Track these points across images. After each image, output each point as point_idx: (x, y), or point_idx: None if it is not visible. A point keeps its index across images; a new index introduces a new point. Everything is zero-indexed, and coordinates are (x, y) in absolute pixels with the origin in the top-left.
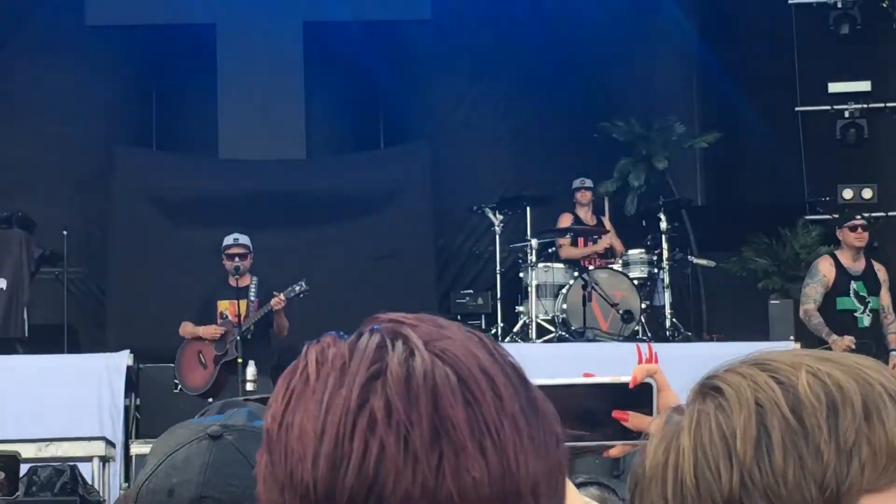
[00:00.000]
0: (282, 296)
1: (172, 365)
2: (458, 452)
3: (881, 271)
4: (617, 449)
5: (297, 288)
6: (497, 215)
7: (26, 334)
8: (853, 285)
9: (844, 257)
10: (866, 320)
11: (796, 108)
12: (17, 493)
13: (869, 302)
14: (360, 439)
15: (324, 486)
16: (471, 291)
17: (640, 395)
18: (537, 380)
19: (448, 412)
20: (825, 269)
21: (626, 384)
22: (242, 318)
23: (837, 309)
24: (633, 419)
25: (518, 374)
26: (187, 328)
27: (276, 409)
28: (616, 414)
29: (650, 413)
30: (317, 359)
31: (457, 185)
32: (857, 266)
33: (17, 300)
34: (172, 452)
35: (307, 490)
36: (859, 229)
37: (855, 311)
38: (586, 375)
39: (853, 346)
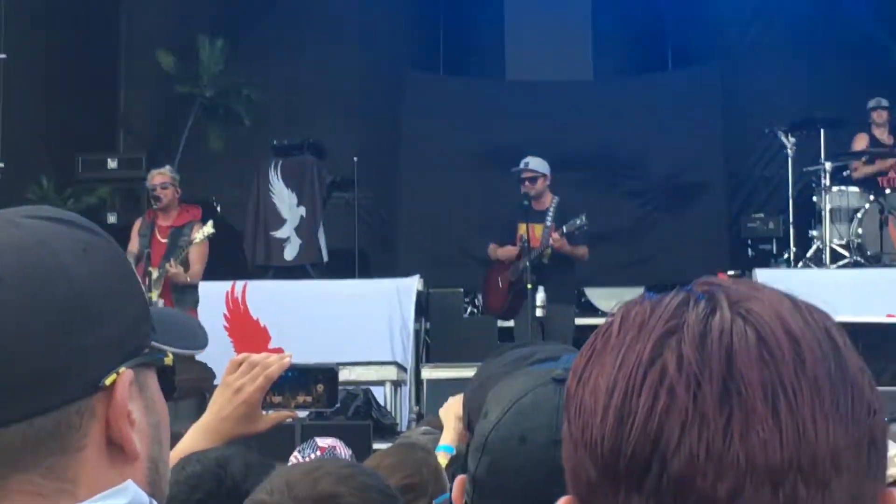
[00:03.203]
0: (556, 235)
1: (461, 290)
2: (749, 413)
3: None
4: None
5: (578, 222)
6: (789, 138)
7: (325, 259)
8: None
9: None
10: None
11: None
12: (335, 405)
13: None
14: (648, 394)
15: (610, 442)
16: (762, 215)
17: None
18: (840, 316)
19: (741, 370)
20: None
21: None
22: (537, 241)
23: None
24: None
25: (833, 341)
26: (492, 250)
27: (578, 366)
28: None
29: None
30: (622, 316)
31: (747, 106)
32: None
33: (316, 226)
34: (518, 399)
35: (595, 445)
36: None
37: None
38: (889, 317)
39: None
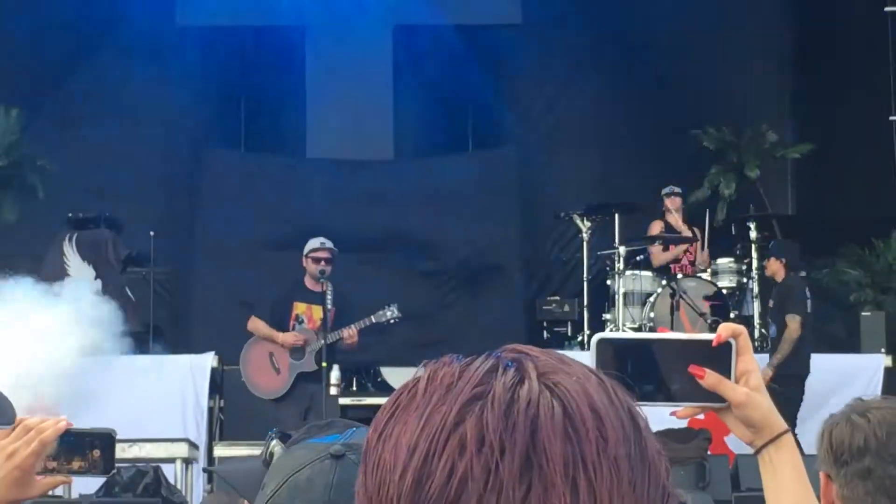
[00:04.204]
0: (346, 333)
1: None
2: (548, 486)
3: None
4: (685, 410)
5: (389, 314)
6: (585, 222)
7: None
8: None
9: None
10: None
11: (890, 118)
12: (111, 471)
13: None
14: (448, 459)
15: (406, 502)
16: (557, 298)
17: (718, 356)
18: (612, 333)
19: (544, 443)
20: None
21: (707, 342)
22: (317, 324)
23: None
24: (709, 377)
25: (634, 422)
26: (259, 326)
27: (379, 421)
28: (692, 369)
29: (727, 375)
30: (429, 376)
31: (545, 190)
32: None
33: (124, 296)
34: (294, 473)
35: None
36: None
37: None
38: (661, 330)
39: None
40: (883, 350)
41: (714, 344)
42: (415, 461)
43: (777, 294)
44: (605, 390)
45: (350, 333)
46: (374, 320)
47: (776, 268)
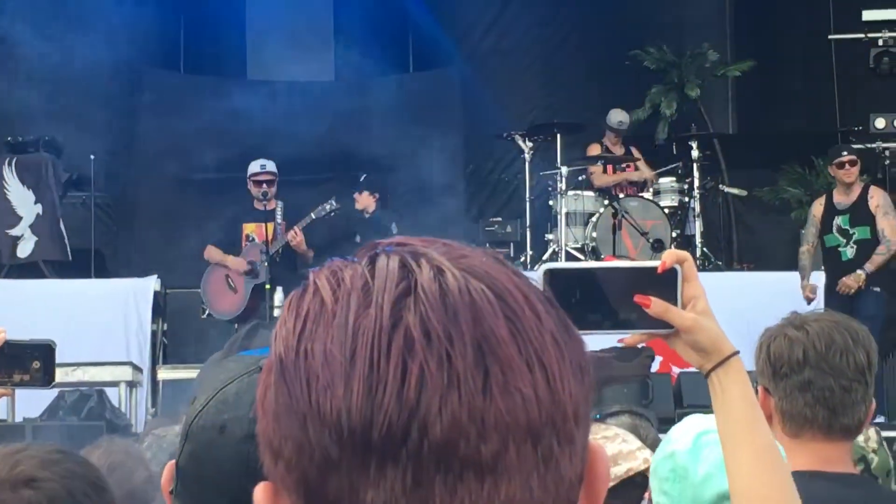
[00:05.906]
0: (297, 229)
1: (199, 290)
2: (506, 369)
3: (875, 197)
4: (632, 337)
5: (328, 206)
6: (527, 142)
7: (69, 256)
8: (837, 220)
9: (837, 193)
10: (849, 252)
11: (830, 36)
12: (52, 383)
13: (853, 234)
14: (398, 360)
15: (359, 413)
16: (500, 219)
17: (664, 283)
18: (558, 263)
19: (491, 328)
20: (815, 209)
21: (652, 269)
22: (270, 240)
23: (826, 246)
24: (655, 306)
25: (544, 294)
26: (213, 253)
27: (289, 337)
28: (638, 298)
29: (674, 301)
30: (329, 281)
31: (486, 111)
32: (846, 200)
33: (56, 223)
34: (223, 387)
35: (338, 419)
36: (847, 165)
37: (838, 245)
38: (608, 259)
39: (812, 296)
40: (822, 268)
41: (659, 271)
42: (358, 370)
43: (367, 230)
44: (509, 267)
45: (293, 234)
46: (314, 216)
47: (368, 202)
